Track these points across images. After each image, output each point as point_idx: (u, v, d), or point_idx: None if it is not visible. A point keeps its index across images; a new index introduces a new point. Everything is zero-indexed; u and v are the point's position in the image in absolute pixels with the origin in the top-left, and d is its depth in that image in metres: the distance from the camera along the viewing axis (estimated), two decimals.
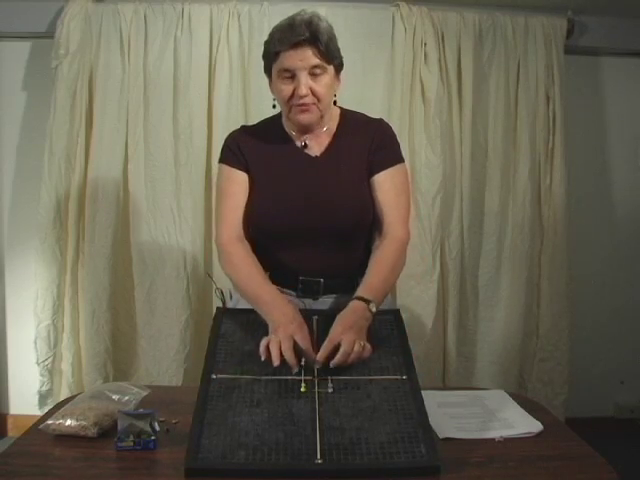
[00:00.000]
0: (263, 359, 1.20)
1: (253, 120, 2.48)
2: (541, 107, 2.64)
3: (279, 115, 1.53)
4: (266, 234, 1.49)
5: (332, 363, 1.20)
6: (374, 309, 1.32)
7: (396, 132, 1.58)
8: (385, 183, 1.47)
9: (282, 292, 1.48)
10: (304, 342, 1.21)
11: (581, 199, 2.80)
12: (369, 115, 1.58)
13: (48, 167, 2.52)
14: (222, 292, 1.55)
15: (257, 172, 1.49)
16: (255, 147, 1.50)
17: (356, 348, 1.21)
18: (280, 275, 1.49)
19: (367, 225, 1.50)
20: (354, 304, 1.32)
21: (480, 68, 2.63)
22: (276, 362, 1.18)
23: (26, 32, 2.61)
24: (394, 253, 1.43)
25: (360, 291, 1.35)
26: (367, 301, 1.32)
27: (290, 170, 1.48)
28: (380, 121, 1.56)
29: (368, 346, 1.25)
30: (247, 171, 1.49)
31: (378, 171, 1.48)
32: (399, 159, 1.52)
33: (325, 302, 1.49)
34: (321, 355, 1.21)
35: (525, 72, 2.64)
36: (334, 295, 1.50)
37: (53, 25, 2.53)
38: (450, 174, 2.62)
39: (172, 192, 2.55)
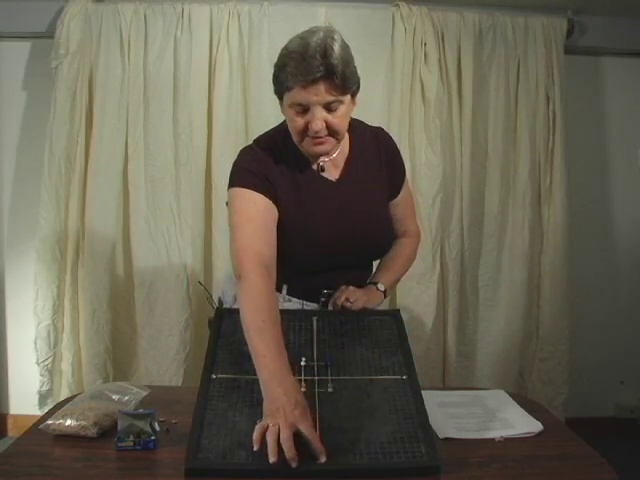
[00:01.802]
0: (256, 449, 0.99)
1: (253, 120, 2.52)
2: (541, 107, 2.64)
3: (287, 131, 1.38)
4: (297, 266, 1.42)
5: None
6: (382, 288, 1.49)
7: (396, 132, 1.61)
8: (401, 201, 1.57)
9: (303, 305, 1.47)
10: (309, 432, 1.01)
11: (581, 199, 2.79)
12: (368, 114, 1.60)
13: (48, 167, 2.52)
14: (212, 298, 1.53)
15: (285, 204, 1.38)
16: (280, 176, 1.39)
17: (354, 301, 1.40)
18: (299, 291, 1.47)
19: (391, 242, 1.56)
20: (369, 287, 1.48)
21: (480, 68, 2.63)
22: (272, 458, 0.97)
23: (26, 32, 2.61)
24: (409, 246, 1.59)
25: (375, 276, 1.52)
26: (375, 283, 1.49)
27: (316, 200, 1.41)
28: (381, 132, 1.54)
29: (360, 302, 1.41)
30: (275, 201, 1.36)
31: (397, 194, 1.54)
32: (404, 172, 1.58)
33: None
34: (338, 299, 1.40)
35: (525, 72, 2.64)
36: None
37: (53, 25, 2.53)
38: (450, 174, 2.62)
39: (172, 192, 2.55)
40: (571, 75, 2.69)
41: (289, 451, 0.97)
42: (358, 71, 1.32)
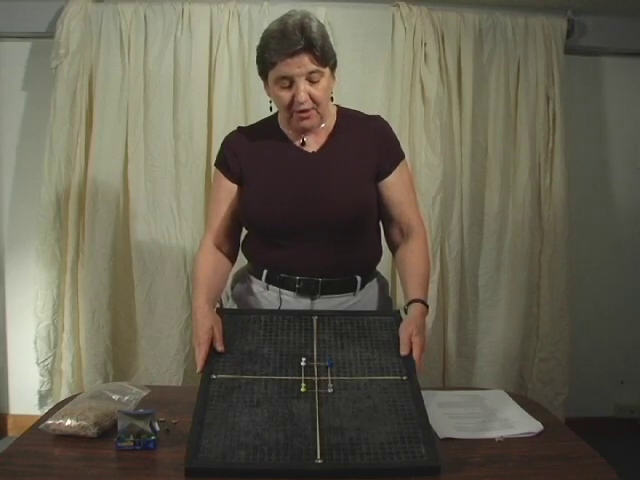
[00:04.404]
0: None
1: (253, 120, 2.49)
2: (541, 107, 2.64)
3: (275, 115, 1.54)
4: (264, 232, 1.49)
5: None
6: (425, 300, 1.41)
7: (396, 132, 1.59)
8: (396, 184, 1.52)
9: (280, 293, 1.49)
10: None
11: (581, 199, 2.79)
12: (368, 113, 1.59)
13: (48, 167, 2.52)
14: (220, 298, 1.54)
15: (252, 172, 1.49)
16: (251, 148, 1.51)
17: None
18: (278, 275, 1.49)
19: (366, 221, 1.51)
20: (419, 308, 1.37)
21: (480, 68, 2.62)
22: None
23: (26, 32, 2.61)
24: (424, 249, 1.51)
25: (414, 292, 1.41)
26: (424, 302, 1.38)
27: (286, 167, 1.48)
28: (378, 118, 1.57)
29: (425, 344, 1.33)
30: (239, 178, 1.50)
31: (388, 174, 1.51)
32: (402, 155, 1.56)
33: (323, 302, 1.49)
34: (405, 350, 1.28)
35: (525, 72, 2.64)
36: (333, 295, 1.50)
37: (53, 25, 2.53)
38: (450, 174, 2.62)
39: (172, 192, 2.56)
40: (571, 75, 2.69)
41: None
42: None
